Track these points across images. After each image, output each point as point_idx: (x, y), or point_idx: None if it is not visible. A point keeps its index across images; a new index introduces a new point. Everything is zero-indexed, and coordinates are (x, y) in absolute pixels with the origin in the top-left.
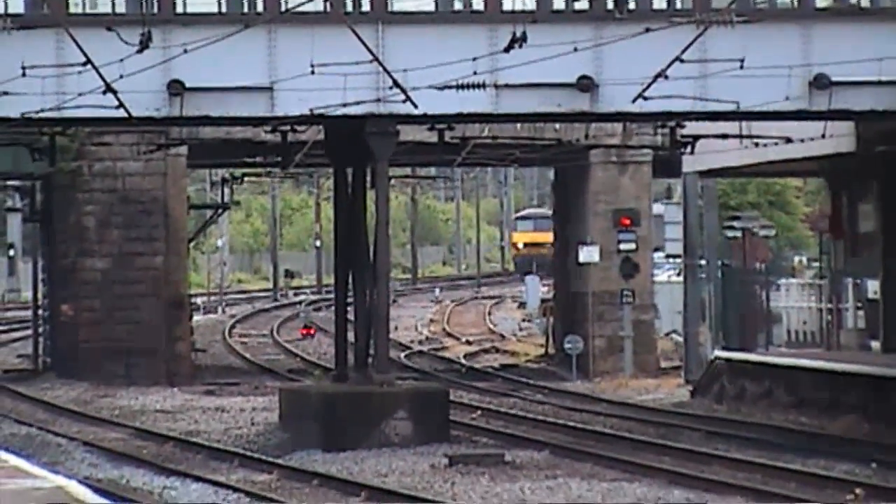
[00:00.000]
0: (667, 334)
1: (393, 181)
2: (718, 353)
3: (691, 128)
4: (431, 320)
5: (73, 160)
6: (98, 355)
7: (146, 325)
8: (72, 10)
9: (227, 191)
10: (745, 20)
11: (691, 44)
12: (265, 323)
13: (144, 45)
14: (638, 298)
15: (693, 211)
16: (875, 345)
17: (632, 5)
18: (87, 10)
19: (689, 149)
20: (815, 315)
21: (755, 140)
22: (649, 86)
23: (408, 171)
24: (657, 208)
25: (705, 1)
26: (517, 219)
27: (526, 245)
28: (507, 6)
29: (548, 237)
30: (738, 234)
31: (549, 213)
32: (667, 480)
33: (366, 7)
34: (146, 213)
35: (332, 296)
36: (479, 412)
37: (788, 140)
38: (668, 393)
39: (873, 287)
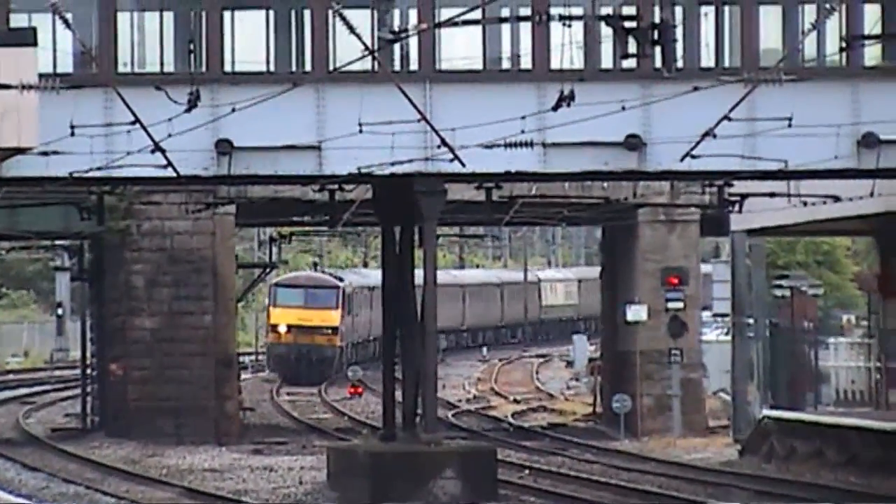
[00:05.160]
0: (715, 393)
1: (441, 240)
2: (767, 411)
3: (739, 186)
4: (479, 379)
5: (121, 219)
6: (147, 414)
7: (195, 383)
8: (120, 69)
9: (274, 250)
10: (794, 78)
11: (739, 102)
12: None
13: (193, 103)
14: (686, 357)
15: (741, 270)
16: None
17: (679, 64)
18: (136, 70)
19: (736, 207)
20: (864, 374)
21: (803, 199)
22: (697, 144)
23: (455, 229)
24: (705, 267)
25: (753, 59)
26: (277, 286)
27: (291, 328)
28: (554, 65)
29: (331, 317)
30: (787, 292)
31: (335, 280)
32: None
33: (413, 66)
34: (195, 271)
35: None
36: (527, 471)
37: (837, 199)
38: (717, 452)
39: None
